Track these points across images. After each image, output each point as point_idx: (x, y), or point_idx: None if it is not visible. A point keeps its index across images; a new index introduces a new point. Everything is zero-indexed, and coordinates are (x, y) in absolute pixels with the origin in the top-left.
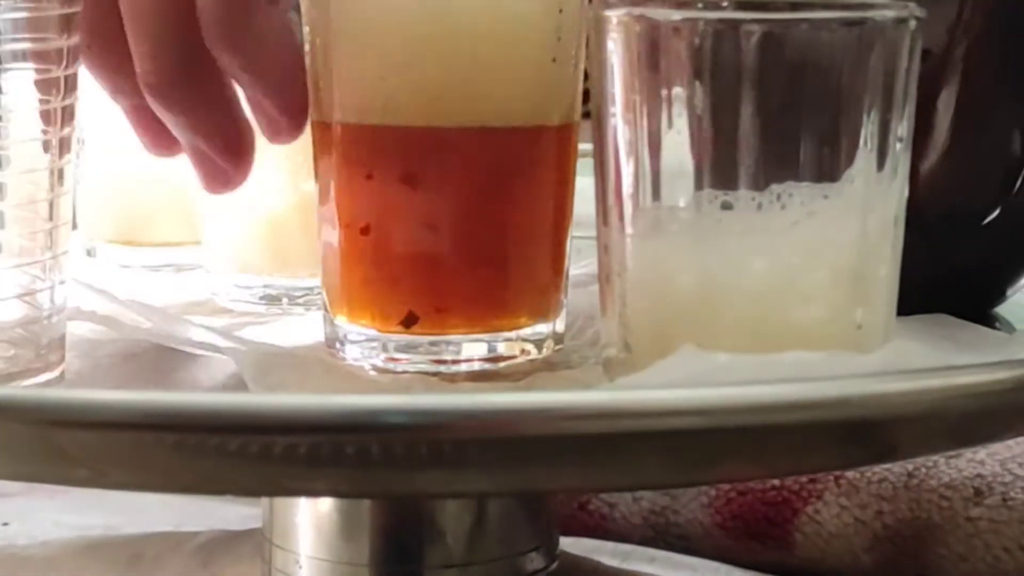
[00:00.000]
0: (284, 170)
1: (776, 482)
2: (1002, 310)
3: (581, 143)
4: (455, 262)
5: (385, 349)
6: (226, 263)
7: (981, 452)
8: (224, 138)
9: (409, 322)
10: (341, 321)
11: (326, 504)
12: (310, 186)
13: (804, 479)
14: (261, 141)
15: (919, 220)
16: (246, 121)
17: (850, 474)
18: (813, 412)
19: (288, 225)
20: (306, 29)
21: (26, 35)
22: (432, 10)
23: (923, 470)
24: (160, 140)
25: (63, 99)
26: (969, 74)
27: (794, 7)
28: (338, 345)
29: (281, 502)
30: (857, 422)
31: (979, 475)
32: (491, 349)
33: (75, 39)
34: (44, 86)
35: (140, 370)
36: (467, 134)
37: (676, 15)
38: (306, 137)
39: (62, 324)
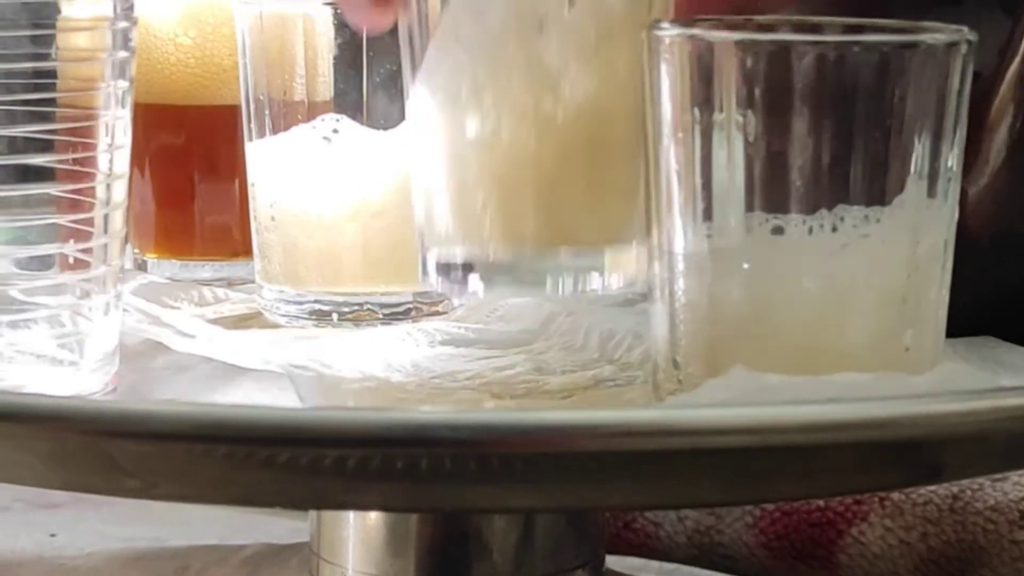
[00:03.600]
0: (337, 184)
1: (821, 503)
2: None
3: None
4: None
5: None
6: (277, 277)
7: None
8: None
9: None
10: None
11: (374, 518)
12: (362, 200)
13: (849, 500)
14: (319, 154)
15: (968, 242)
16: None
17: (895, 496)
18: (861, 432)
19: (339, 240)
20: None
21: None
22: None
23: (968, 492)
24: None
25: (117, 112)
26: (1017, 97)
27: (847, 30)
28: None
29: (329, 516)
30: (905, 443)
31: None
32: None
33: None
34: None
35: (191, 383)
36: None
37: (729, 36)
38: (361, 148)
39: (115, 337)
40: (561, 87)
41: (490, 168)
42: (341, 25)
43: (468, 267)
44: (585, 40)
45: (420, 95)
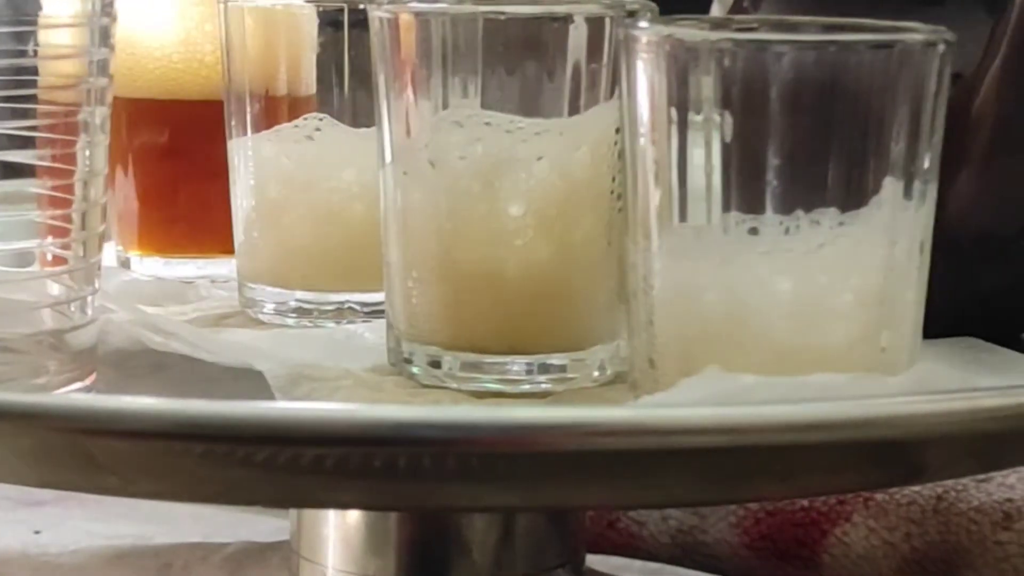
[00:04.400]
0: (319, 183)
1: (805, 503)
2: None
3: None
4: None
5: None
6: (258, 276)
7: (1012, 476)
8: None
9: None
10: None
11: (354, 517)
12: (345, 199)
13: (833, 501)
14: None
15: (948, 243)
16: None
17: (879, 496)
18: (837, 432)
19: (321, 239)
20: None
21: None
22: None
23: (952, 493)
24: None
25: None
26: (999, 97)
27: (824, 30)
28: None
29: (309, 514)
30: (882, 442)
31: (1009, 499)
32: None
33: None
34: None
35: (170, 381)
36: None
37: (706, 36)
38: (343, 147)
39: (93, 334)
40: (521, 242)
41: (450, 284)
42: (324, 22)
43: (435, 364)
44: (548, 202)
45: (391, 176)
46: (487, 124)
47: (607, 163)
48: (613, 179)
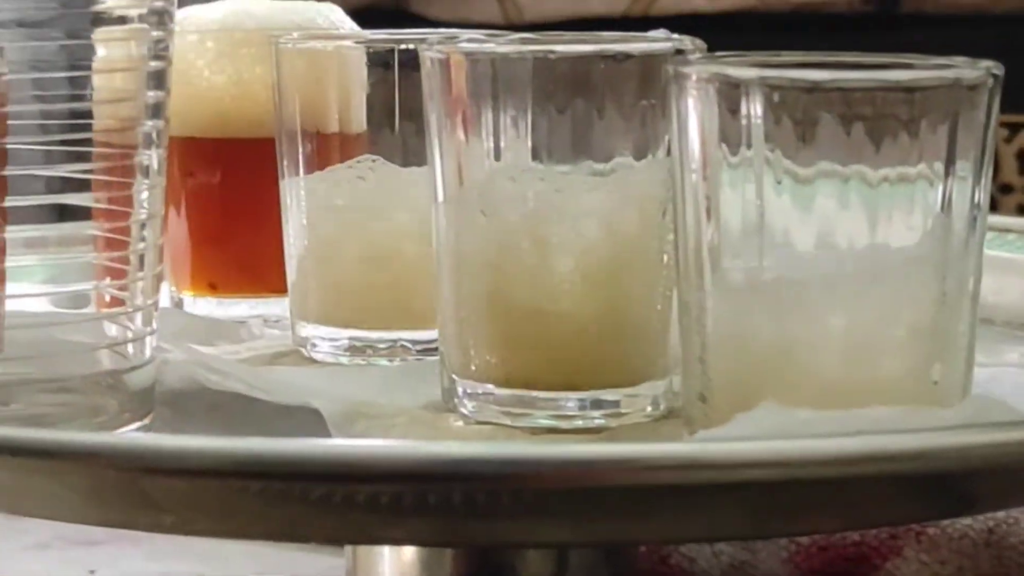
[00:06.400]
0: (371, 222)
1: (856, 537)
2: None
3: None
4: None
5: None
6: (311, 315)
7: None
8: None
9: None
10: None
11: (409, 553)
12: (397, 238)
13: (884, 535)
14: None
15: None
16: None
17: (931, 530)
18: (891, 465)
19: (374, 277)
20: None
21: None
22: None
23: (1004, 527)
24: None
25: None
26: None
27: (875, 68)
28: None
29: (364, 551)
30: (934, 475)
31: None
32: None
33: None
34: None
35: (226, 420)
36: None
37: (754, 73)
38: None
39: (151, 374)
40: (570, 290)
41: (503, 322)
42: (374, 62)
43: (489, 401)
44: (598, 257)
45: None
46: (540, 180)
47: (657, 216)
48: (663, 230)
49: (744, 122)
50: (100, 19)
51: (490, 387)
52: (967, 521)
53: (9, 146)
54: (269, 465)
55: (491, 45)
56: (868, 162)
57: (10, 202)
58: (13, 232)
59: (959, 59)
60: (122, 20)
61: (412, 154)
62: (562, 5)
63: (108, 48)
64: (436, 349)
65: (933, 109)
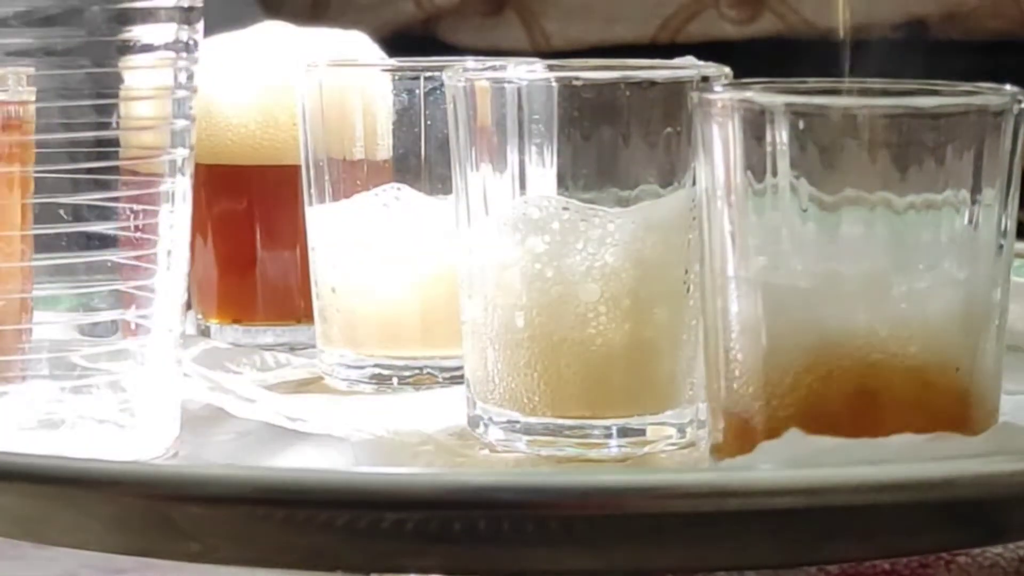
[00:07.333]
0: (397, 250)
1: (887, 566)
2: None
3: None
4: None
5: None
6: (337, 342)
7: None
8: None
9: None
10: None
11: None
12: (422, 266)
13: (915, 564)
14: (380, 220)
15: None
16: None
17: (961, 558)
18: (919, 492)
19: (399, 305)
20: None
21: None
22: None
23: None
24: None
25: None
26: None
27: (900, 94)
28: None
29: None
30: (963, 502)
31: None
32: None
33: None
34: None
35: (251, 447)
36: None
37: (780, 100)
38: (421, 215)
39: (176, 402)
40: (595, 318)
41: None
42: (400, 90)
43: (515, 429)
44: (623, 285)
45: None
46: (565, 208)
47: (682, 244)
48: (688, 257)
49: (769, 149)
50: (127, 48)
51: (516, 415)
52: (997, 550)
53: (35, 174)
54: (295, 493)
55: (516, 72)
56: (894, 189)
57: (36, 230)
58: (39, 260)
59: (985, 85)
60: (148, 48)
61: (437, 182)
62: (589, 32)
63: (134, 76)
64: (461, 377)
65: (959, 135)
